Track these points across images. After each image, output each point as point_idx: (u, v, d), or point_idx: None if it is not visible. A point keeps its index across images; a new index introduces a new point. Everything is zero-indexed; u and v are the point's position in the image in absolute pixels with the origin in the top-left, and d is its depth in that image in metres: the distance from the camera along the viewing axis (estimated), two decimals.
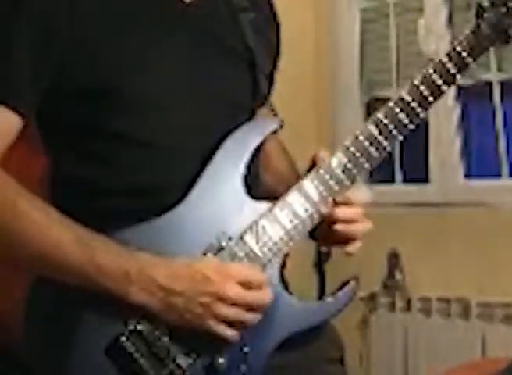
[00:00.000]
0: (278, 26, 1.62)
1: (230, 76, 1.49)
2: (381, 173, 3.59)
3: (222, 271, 1.33)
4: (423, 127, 3.33)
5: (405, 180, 3.46)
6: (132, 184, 1.41)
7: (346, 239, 1.49)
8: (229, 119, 1.45)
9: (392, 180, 3.49)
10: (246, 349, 1.38)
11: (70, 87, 1.39)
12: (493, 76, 3.16)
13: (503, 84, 3.15)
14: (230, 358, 1.37)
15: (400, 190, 3.47)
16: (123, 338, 1.34)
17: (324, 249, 3.40)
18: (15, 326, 1.44)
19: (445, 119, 3.29)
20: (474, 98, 3.46)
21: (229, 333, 1.35)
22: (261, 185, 1.53)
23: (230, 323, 1.34)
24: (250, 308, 1.35)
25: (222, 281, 1.33)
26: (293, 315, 1.42)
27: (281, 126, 1.49)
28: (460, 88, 3.27)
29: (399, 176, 3.46)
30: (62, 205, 1.39)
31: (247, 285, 1.34)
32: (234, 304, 1.33)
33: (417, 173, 3.42)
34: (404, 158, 3.44)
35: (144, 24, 1.42)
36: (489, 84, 3.16)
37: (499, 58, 3.14)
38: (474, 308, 3.04)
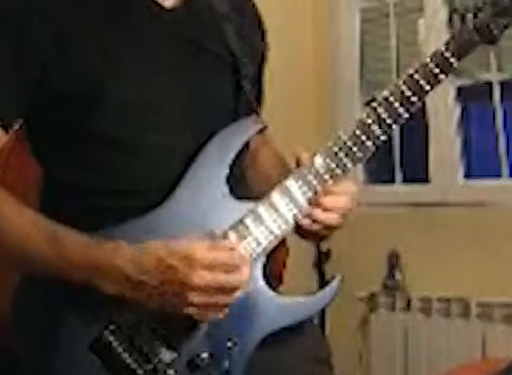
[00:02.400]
0: (263, 33, 1.64)
1: (212, 80, 1.50)
2: (381, 173, 3.60)
3: (186, 258, 1.31)
4: (423, 127, 3.33)
5: (405, 180, 3.46)
6: (116, 185, 1.43)
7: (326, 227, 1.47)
8: (211, 121, 1.46)
9: (392, 180, 3.49)
10: (229, 344, 1.39)
11: (53, 93, 1.40)
12: (493, 76, 3.16)
13: (503, 84, 3.15)
14: (213, 353, 1.38)
15: (400, 190, 3.46)
16: (107, 334, 1.36)
17: (324, 249, 3.40)
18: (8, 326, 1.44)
19: (445, 119, 3.29)
20: (474, 98, 3.46)
21: (207, 317, 1.35)
22: (247, 185, 1.54)
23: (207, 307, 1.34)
24: (223, 290, 1.33)
25: (188, 269, 1.31)
26: (276, 311, 1.43)
27: (263, 128, 1.51)
28: (460, 88, 3.28)
29: (399, 176, 3.46)
30: (52, 207, 1.42)
31: (215, 268, 1.32)
32: (203, 289, 1.32)
33: (417, 173, 3.42)
34: (404, 158, 3.44)
35: (125, 29, 1.44)
36: (489, 84, 3.16)
37: (499, 58, 3.14)
38: (474, 308, 3.04)
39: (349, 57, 3.61)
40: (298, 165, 1.46)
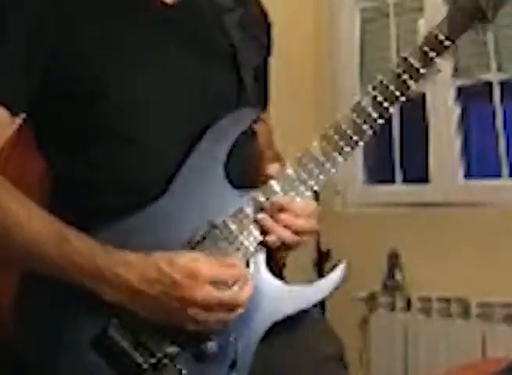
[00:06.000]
0: (269, 26, 1.64)
1: (213, 72, 1.50)
2: (381, 173, 3.60)
3: (191, 273, 1.32)
4: (423, 127, 3.33)
5: (405, 180, 3.46)
6: (120, 182, 1.43)
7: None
8: (214, 115, 1.46)
9: (392, 180, 3.49)
10: (234, 336, 1.38)
11: (58, 87, 1.41)
12: (493, 76, 3.16)
13: (503, 84, 3.15)
14: (219, 345, 1.38)
15: (400, 190, 3.47)
16: (110, 330, 1.35)
17: (324, 249, 3.40)
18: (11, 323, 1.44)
19: (445, 119, 3.29)
20: (474, 98, 3.46)
21: (207, 330, 1.35)
22: (258, 176, 1.54)
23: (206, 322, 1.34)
24: (224, 307, 1.34)
25: (191, 285, 1.32)
26: (280, 299, 1.42)
27: (257, 120, 1.51)
28: (460, 88, 3.28)
29: (399, 176, 3.46)
30: (58, 204, 1.42)
31: (219, 284, 1.33)
32: (206, 305, 1.33)
33: (417, 173, 3.42)
34: (404, 158, 3.44)
35: (128, 25, 1.45)
36: (489, 84, 3.16)
37: (499, 58, 3.14)
38: (474, 308, 3.04)
39: (349, 57, 3.61)
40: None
